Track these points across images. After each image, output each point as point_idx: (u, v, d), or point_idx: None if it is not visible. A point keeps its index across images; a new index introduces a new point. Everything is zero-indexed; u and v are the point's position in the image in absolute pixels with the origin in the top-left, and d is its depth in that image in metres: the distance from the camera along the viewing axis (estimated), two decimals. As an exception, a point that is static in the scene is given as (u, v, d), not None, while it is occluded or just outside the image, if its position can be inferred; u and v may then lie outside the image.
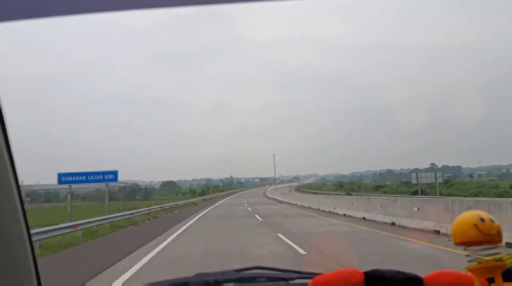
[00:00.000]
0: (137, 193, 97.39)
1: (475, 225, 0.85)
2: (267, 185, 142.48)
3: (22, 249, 1.01)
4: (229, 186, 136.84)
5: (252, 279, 1.36)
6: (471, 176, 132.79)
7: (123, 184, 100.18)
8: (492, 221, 0.87)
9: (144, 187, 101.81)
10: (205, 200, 43.45)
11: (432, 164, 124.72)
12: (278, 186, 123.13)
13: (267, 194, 69.75)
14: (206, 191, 61.21)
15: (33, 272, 1.06)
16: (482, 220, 0.86)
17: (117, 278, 6.66)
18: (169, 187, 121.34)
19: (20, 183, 1.06)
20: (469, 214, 0.88)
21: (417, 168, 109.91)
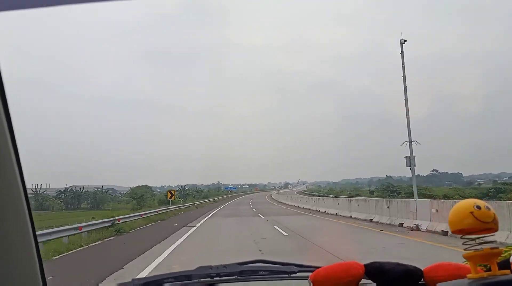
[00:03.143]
0: (83, 200, 73.15)
1: (472, 212, 0.85)
2: (278, 189, 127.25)
3: (28, 250, 0.99)
4: (216, 192, 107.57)
5: (254, 272, 1.34)
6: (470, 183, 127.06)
7: (63, 188, 75.03)
8: (488, 208, 0.86)
9: (93, 191, 75.07)
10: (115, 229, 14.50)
11: (434, 170, 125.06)
12: (274, 191, 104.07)
13: (283, 201, 49.13)
14: (170, 198, 34.13)
15: (39, 272, 1.02)
16: (478, 207, 0.85)
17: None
18: (137, 193, 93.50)
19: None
20: (466, 202, 0.87)
21: (419, 175, 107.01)
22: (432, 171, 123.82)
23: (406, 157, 16.11)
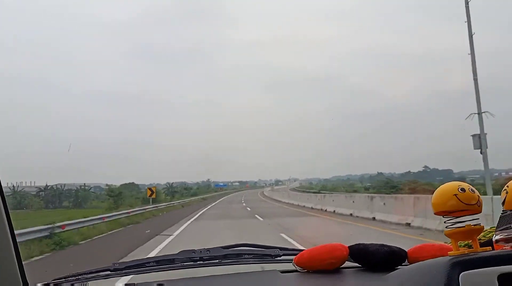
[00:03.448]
0: (65, 198, 70.01)
1: (456, 195, 0.84)
2: (272, 186, 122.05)
3: (5, 251, 0.95)
4: (206, 189, 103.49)
5: (238, 256, 1.32)
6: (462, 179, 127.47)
7: (42, 186, 71.57)
8: (472, 191, 0.86)
9: (75, 189, 70.87)
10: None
11: (425, 166, 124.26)
12: (267, 188, 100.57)
13: (279, 198, 47.02)
14: (146, 198, 28.52)
15: (18, 273, 0.98)
16: (463, 190, 0.85)
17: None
18: (124, 190, 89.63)
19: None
20: (450, 184, 0.87)
21: (409, 171, 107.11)
22: (424, 167, 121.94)
23: (473, 135, 11.93)
